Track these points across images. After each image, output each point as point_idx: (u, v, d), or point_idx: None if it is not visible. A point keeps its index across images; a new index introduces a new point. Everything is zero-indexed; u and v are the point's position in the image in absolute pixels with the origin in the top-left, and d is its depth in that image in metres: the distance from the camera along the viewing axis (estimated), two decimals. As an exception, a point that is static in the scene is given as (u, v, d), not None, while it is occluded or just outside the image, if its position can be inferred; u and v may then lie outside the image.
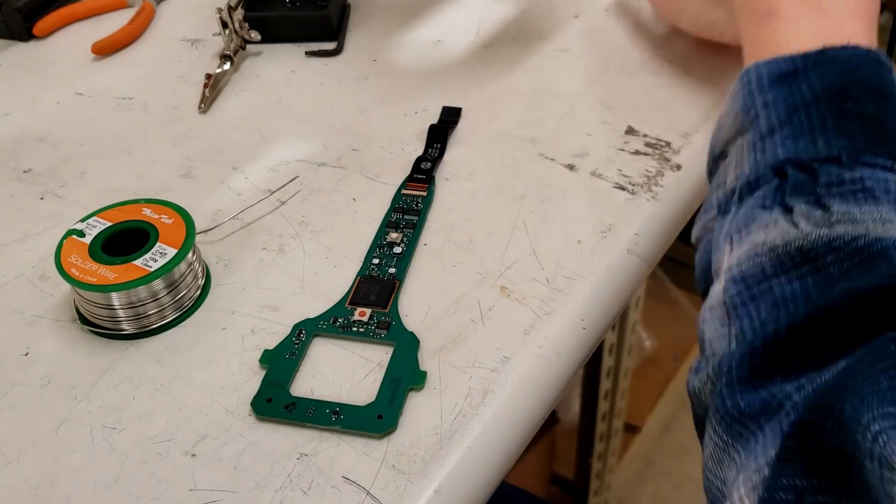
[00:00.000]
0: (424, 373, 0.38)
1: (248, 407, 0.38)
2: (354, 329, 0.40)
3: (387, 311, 0.41)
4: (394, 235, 0.46)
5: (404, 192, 0.48)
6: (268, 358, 0.40)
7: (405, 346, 0.39)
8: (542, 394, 0.38)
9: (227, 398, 0.38)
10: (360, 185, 0.50)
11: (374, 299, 0.42)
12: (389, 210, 0.47)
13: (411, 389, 0.38)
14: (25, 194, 0.52)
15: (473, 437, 0.36)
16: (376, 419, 0.36)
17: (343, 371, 0.39)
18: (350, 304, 0.42)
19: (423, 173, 0.50)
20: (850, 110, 0.34)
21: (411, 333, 0.40)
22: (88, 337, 0.42)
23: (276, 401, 0.38)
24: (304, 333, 0.40)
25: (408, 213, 0.47)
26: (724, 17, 0.50)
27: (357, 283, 0.43)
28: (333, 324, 0.41)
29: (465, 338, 0.40)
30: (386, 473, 0.35)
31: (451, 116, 0.54)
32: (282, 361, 0.39)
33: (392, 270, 0.43)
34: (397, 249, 0.45)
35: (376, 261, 0.44)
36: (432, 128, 0.53)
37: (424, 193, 0.48)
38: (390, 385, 0.38)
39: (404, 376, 0.38)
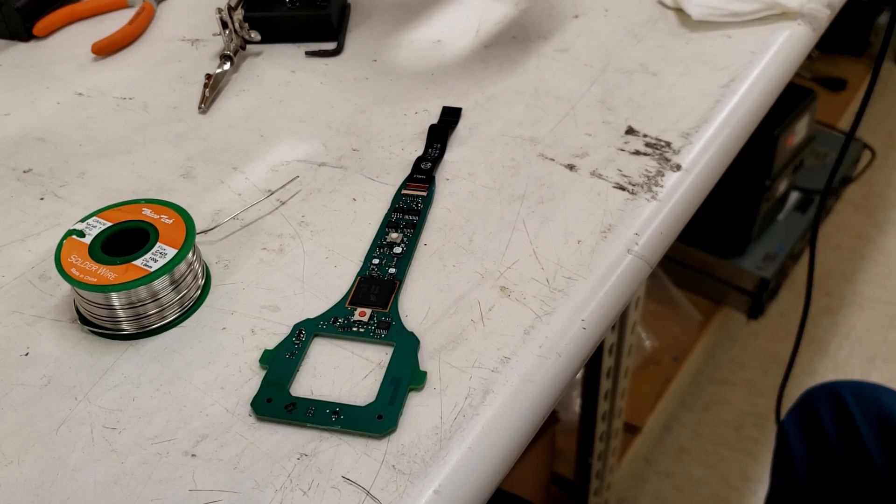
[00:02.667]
0: (424, 373, 0.38)
1: (248, 407, 0.38)
2: (354, 329, 0.40)
3: (387, 311, 0.41)
4: (394, 235, 0.45)
5: (404, 192, 0.48)
6: (268, 358, 0.40)
7: (405, 347, 0.39)
8: (542, 394, 0.38)
9: (227, 398, 0.38)
10: (360, 185, 0.50)
11: (374, 299, 0.42)
12: (389, 210, 0.47)
13: (411, 389, 0.38)
14: (25, 194, 0.52)
15: (473, 437, 0.36)
16: (376, 419, 0.36)
17: (343, 371, 0.39)
18: (350, 304, 0.42)
19: (423, 173, 0.50)
20: None
21: (411, 333, 0.40)
22: (88, 337, 0.42)
23: (276, 401, 0.38)
24: (304, 333, 0.40)
25: (408, 213, 0.47)
26: None
27: (357, 284, 0.43)
28: (333, 324, 0.41)
29: (465, 338, 0.40)
30: (386, 473, 0.35)
31: (451, 116, 0.54)
32: (282, 361, 0.39)
33: (392, 270, 0.43)
34: (397, 249, 0.45)
35: (376, 261, 0.44)
36: (432, 128, 0.53)
37: (424, 193, 0.48)
38: (390, 385, 0.38)
39: (404, 376, 0.38)
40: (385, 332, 0.40)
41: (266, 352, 0.40)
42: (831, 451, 0.70)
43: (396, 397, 0.37)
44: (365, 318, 0.41)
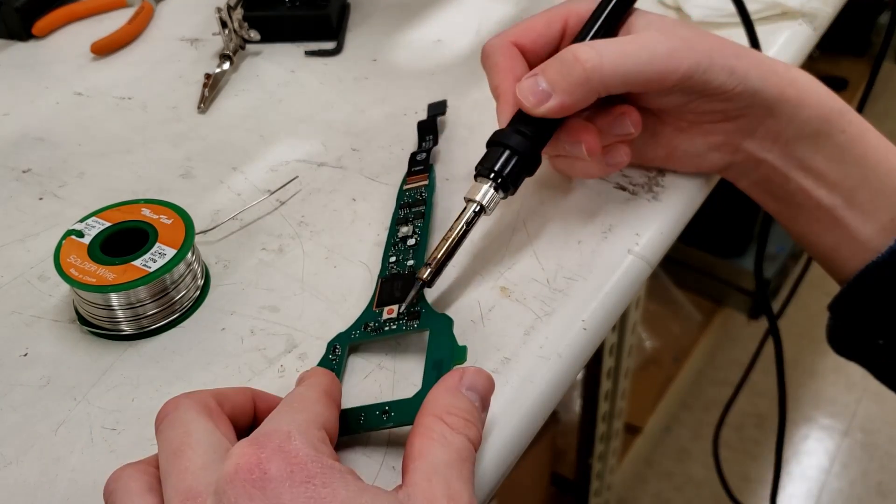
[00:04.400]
0: (464, 347, 0.37)
1: (248, 408, 0.37)
2: (387, 328, 0.39)
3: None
4: (405, 230, 0.45)
5: (406, 187, 0.48)
6: None
7: (439, 328, 0.38)
8: (543, 395, 0.38)
9: (227, 399, 0.38)
10: (360, 185, 0.50)
11: (399, 294, 0.41)
12: (396, 209, 0.47)
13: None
14: (25, 194, 0.51)
15: (474, 438, 0.36)
16: None
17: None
18: (377, 306, 0.41)
19: (421, 164, 0.49)
20: None
21: (443, 315, 0.39)
22: (88, 337, 0.42)
23: None
24: (339, 348, 0.40)
25: (414, 205, 0.46)
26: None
27: (379, 286, 0.42)
28: (365, 330, 0.40)
29: (465, 338, 0.40)
30: (386, 474, 0.35)
31: (437, 110, 0.54)
32: None
33: (410, 262, 0.43)
34: (411, 242, 0.44)
35: (393, 258, 0.43)
36: (421, 123, 0.53)
37: (426, 182, 0.48)
38: (433, 369, 0.36)
39: (445, 357, 0.37)
40: (416, 321, 0.39)
41: None
42: None
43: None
44: (394, 315, 0.40)
